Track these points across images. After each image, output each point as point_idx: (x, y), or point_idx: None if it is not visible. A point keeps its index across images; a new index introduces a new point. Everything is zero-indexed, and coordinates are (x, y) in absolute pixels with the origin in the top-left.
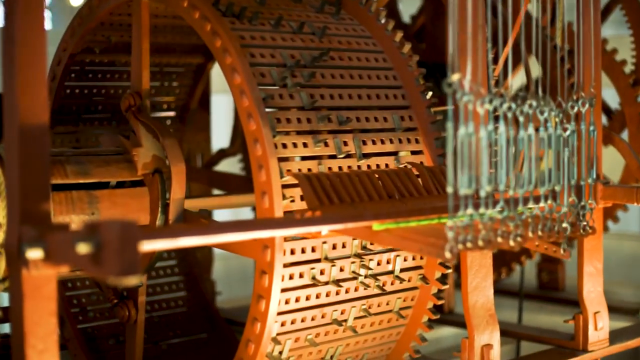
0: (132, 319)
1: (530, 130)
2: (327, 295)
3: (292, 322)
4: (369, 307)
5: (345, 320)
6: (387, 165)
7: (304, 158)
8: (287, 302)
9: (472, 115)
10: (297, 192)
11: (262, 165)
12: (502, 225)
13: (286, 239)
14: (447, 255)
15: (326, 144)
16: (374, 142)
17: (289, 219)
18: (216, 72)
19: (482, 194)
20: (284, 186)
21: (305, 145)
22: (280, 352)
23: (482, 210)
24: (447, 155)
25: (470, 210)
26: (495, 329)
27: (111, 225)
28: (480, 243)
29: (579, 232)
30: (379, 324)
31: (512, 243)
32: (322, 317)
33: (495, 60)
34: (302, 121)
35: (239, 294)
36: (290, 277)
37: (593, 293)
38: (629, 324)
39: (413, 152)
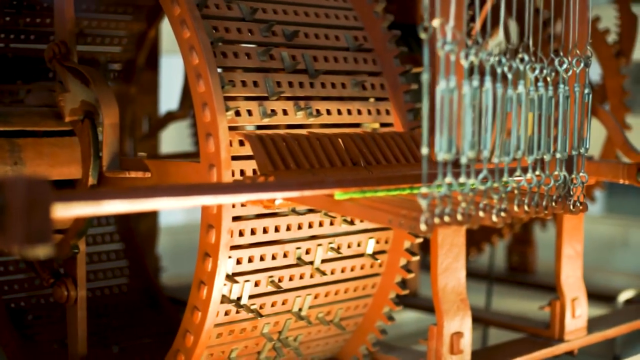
0: (71, 299)
1: (521, 89)
2: (288, 229)
3: (250, 260)
4: (338, 248)
5: (312, 262)
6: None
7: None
8: (241, 233)
9: (455, 68)
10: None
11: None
12: (485, 197)
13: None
14: (423, 227)
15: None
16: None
17: (238, 185)
18: (166, 31)
19: (463, 160)
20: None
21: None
22: (239, 298)
23: (462, 179)
24: (422, 112)
25: (449, 179)
26: (466, 315)
27: (17, 183)
28: (459, 217)
29: (569, 209)
30: (351, 271)
31: (495, 218)
32: (285, 255)
33: (473, 20)
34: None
35: (186, 271)
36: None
37: (571, 277)
38: (605, 312)
39: (383, 125)
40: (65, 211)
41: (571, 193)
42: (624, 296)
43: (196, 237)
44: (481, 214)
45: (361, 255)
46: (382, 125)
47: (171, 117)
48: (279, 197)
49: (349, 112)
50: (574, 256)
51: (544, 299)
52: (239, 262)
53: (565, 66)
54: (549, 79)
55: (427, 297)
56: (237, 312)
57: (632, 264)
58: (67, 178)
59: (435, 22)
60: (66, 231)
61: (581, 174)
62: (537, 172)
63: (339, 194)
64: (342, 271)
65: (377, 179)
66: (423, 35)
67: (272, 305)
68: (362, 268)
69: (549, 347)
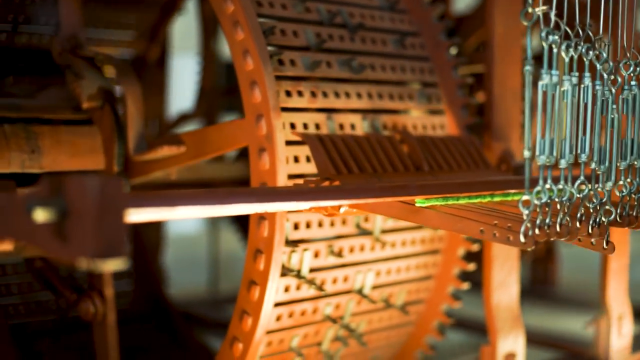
0: (100, 314)
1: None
2: None
3: (308, 226)
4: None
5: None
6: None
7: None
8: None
9: (557, 62)
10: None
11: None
12: (581, 206)
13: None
14: (522, 240)
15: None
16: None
17: (317, 189)
18: (178, 29)
19: (563, 164)
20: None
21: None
22: (299, 271)
23: (561, 185)
24: (525, 110)
25: (549, 185)
26: (520, 334)
27: (85, 183)
28: (558, 229)
29: None
30: (412, 244)
31: (590, 230)
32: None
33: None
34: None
35: (187, 281)
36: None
37: (618, 293)
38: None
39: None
40: (138, 217)
41: None
42: None
43: (197, 246)
44: (578, 225)
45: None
46: (424, 84)
47: (184, 118)
48: (356, 203)
49: (393, 68)
50: (619, 270)
51: (566, 314)
52: (296, 227)
53: None
54: None
55: (465, 314)
56: (297, 288)
57: None
58: (89, 168)
59: (540, 9)
60: None
61: None
62: (629, 179)
63: (420, 201)
64: (403, 244)
65: (460, 185)
66: (525, 22)
67: (333, 283)
68: (422, 242)
69: None
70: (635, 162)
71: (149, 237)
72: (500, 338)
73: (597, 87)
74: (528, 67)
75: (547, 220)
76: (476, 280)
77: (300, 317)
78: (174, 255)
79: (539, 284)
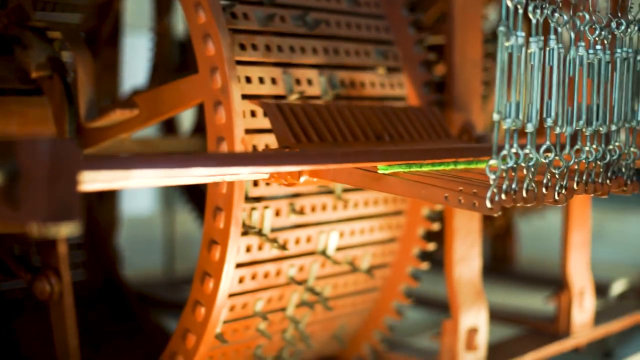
0: (56, 293)
1: (582, 51)
2: None
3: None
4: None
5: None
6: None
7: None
8: None
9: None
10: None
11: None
12: (547, 172)
13: None
14: (489, 205)
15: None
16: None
17: (278, 154)
18: (131, 6)
19: (530, 129)
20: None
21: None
22: (260, 230)
23: (527, 150)
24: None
25: (515, 150)
26: (482, 308)
27: (37, 145)
28: (524, 194)
29: (623, 187)
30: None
31: (557, 197)
32: None
33: None
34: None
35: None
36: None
37: (579, 267)
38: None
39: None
40: (92, 181)
41: (622, 170)
42: (617, 288)
43: (152, 228)
44: (544, 191)
45: None
46: (380, 42)
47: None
48: (317, 169)
49: (348, 25)
50: (580, 244)
51: (530, 291)
52: (256, 183)
53: (622, 28)
54: (606, 42)
55: (425, 291)
56: (260, 248)
57: (610, 255)
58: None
59: None
60: None
61: (632, 149)
62: (595, 145)
63: (382, 168)
64: (365, 204)
65: (425, 152)
66: None
67: (296, 243)
68: (385, 202)
69: (556, 342)
70: (601, 128)
71: (103, 217)
72: (463, 312)
73: (562, 50)
74: (502, 28)
75: (514, 186)
76: (437, 259)
77: (263, 279)
78: (129, 237)
79: (499, 262)
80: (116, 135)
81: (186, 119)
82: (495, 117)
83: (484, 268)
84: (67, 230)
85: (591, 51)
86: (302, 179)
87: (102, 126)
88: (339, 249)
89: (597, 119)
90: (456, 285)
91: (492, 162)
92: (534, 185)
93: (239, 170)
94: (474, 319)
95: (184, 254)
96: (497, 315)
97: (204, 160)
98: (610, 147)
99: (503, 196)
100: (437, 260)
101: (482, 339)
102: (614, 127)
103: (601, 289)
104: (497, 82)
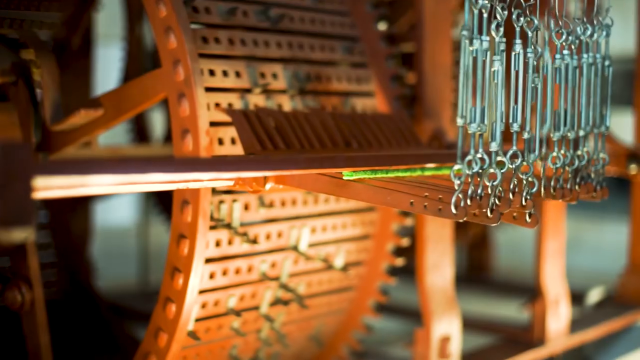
0: (27, 302)
1: (548, 56)
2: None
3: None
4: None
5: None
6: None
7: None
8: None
9: (487, 27)
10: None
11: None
12: (514, 178)
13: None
14: (454, 211)
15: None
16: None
17: (241, 159)
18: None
19: (494, 148)
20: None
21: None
22: (229, 224)
23: (495, 156)
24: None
25: (481, 155)
26: (454, 317)
27: None
28: (492, 200)
29: (592, 193)
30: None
31: (524, 202)
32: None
33: None
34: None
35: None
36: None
37: (554, 275)
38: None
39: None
40: (46, 186)
41: (592, 176)
42: (593, 296)
43: (125, 238)
44: (511, 197)
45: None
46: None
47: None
48: (281, 174)
49: (312, 21)
50: (555, 252)
51: (505, 300)
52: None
53: (588, 33)
54: (573, 47)
55: (399, 300)
56: (229, 242)
57: (587, 263)
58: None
59: None
60: None
61: (601, 154)
62: (563, 151)
63: (348, 174)
64: (337, 199)
65: (391, 158)
66: None
67: (267, 238)
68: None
69: (529, 350)
70: (569, 134)
71: (77, 228)
72: (435, 321)
73: (529, 55)
74: (465, 32)
75: (480, 191)
76: (409, 267)
77: (235, 275)
78: (103, 248)
79: (474, 271)
80: (83, 137)
81: (158, 126)
82: (460, 121)
83: (459, 277)
84: (21, 235)
85: (558, 56)
86: (268, 185)
87: (68, 129)
88: (311, 245)
89: (565, 124)
90: (428, 293)
91: (457, 167)
92: (500, 190)
93: (200, 176)
94: (446, 327)
95: (159, 265)
96: (472, 324)
97: (163, 165)
98: (579, 152)
99: (469, 201)
100: (409, 269)
101: (455, 347)
102: (582, 133)
103: (578, 297)
104: (460, 87)
